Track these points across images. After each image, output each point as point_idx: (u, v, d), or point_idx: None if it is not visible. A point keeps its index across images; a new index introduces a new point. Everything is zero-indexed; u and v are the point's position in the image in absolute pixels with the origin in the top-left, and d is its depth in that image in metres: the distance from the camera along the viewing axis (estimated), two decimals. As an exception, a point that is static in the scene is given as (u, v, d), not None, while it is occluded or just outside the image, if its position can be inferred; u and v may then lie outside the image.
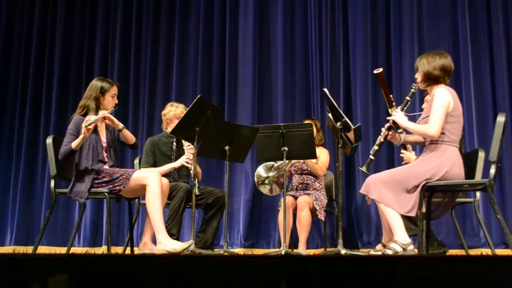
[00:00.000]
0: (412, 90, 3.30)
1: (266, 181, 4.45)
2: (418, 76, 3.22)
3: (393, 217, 3.06)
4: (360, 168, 3.35)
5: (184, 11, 5.96)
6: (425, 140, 3.22)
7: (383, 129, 3.31)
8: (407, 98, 3.31)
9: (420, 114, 3.38)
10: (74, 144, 3.44)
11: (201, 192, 4.03)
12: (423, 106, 3.90)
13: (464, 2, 5.21)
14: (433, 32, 5.27)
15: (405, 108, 3.29)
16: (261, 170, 4.45)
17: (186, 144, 4.08)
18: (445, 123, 3.07)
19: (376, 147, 3.30)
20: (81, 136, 3.42)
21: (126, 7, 6.07)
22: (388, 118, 3.29)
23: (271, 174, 4.43)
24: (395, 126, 3.29)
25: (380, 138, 3.30)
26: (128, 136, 3.76)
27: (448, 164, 3.04)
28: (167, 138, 4.22)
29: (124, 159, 5.53)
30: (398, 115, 3.23)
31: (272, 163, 4.46)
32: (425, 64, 3.17)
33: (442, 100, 3.06)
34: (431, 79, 3.16)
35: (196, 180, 3.67)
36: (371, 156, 3.29)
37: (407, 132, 3.36)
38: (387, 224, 3.15)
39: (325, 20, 5.51)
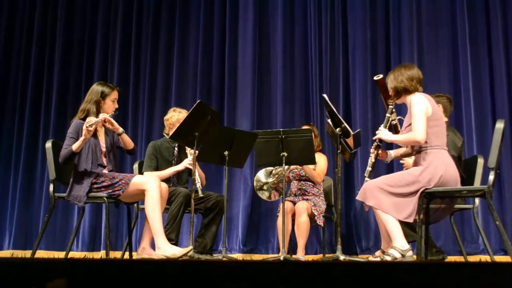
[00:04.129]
0: (390, 106, 3.36)
1: (265, 187, 4.45)
2: (391, 93, 3.29)
3: (391, 223, 3.07)
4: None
5: (184, 17, 5.97)
6: (412, 150, 3.24)
7: (371, 149, 3.37)
8: (387, 115, 3.38)
9: None
10: (74, 146, 3.44)
11: (203, 195, 4.03)
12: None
13: (463, 9, 5.23)
14: (432, 39, 5.29)
15: (387, 125, 3.36)
16: (261, 175, 4.46)
17: (189, 149, 4.08)
18: (428, 127, 3.10)
19: (369, 168, 3.36)
20: (81, 138, 3.43)
21: (126, 13, 6.08)
22: (373, 138, 3.36)
23: (270, 180, 4.43)
24: (382, 144, 3.34)
25: (371, 159, 3.36)
26: (127, 141, 3.75)
27: (441, 168, 3.06)
28: (169, 143, 4.22)
29: (123, 164, 5.53)
30: (382, 132, 3.30)
31: (271, 168, 4.46)
32: (392, 80, 3.26)
33: (420, 106, 3.11)
34: (401, 92, 3.23)
35: (199, 184, 3.69)
36: (366, 178, 3.33)
37: (396, 146, 3.40)
38: (385, 231, 3.16)
39: (325, 27, 5.52)
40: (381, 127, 3.33)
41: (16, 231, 5.77)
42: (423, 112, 3.10)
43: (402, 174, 3.18)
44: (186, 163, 4.04)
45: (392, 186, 3.09)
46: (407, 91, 3.21)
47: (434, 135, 3.12)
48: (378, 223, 3.28)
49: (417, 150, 3.19)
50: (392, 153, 3.43)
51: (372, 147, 3.37)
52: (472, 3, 5.24)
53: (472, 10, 5.23)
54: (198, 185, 3.86)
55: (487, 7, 5.20)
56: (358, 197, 3.20)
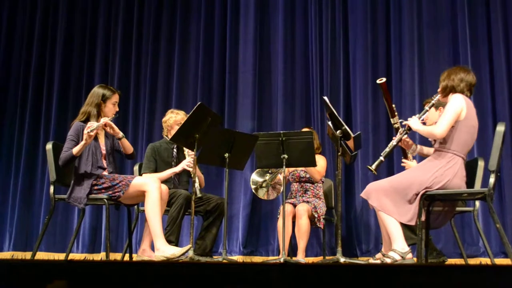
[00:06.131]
0: (433, 101, 3.34)
1: (264, 184, 4.43)
2: (439, 89, 3.27)
3: (392, 225, 3.07)
4: (369, 167, 3.34)
5: (184, 19, 5.98)
6: (434, 151, 3.24)
7: (399, 132, 3.36)
8: (426, 108, 3.36)
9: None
10: (75, 150, 3.45)
11: (201, 196, 4.03)
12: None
13: (464, 11, 5.22)
14: (433, 42, 5.28)
15: (422, 116, 3.34)
16: (255, 176, 4.44)
17: (187, 150, 4.08)
18: (456, 130, 3.08)
19: (388, 149, 3.33)
20: (82, 142, 3.43)
21: (127, 15, 6.09)
22: (404, 122, 3.35)
23: (267, 177, 4.41)
24: (409, 132, 3.34)
25: (393, 142, 3.33)
26: (127, 145, 3.76)
27: (450, 174, 3.05)
28: (168, 144, 4.23)
29: (123, 166, 5.53)
30: (412, 121, 3.28)
31: (266, 169, 4.45)
32: (445, 77, 3.23)
33: (455, 105, 3.09)
34: (449, 90, 3.21)
35: (197, 184, 3.69)
36: (381, 158, 3.31)
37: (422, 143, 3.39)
38: (386, 234, 3.15)
39: (326, 29, 5.52)
40: (415, 117, 3.30)
41: (17, 232, 5.78)
42: (455, 112, 3.07)
43: (407, 176, 3.16)
44: (184, 164, 4.05)
45: (396, 188, 3.08)
46: (453, 89, 3.18)
47: (457, 140, 3.09)
48: (380, 226, 3.28)
49: (436, 148, 3.18)
50: (419, 148, 3.43)
51: (400, 130, 3.35)
52: (473, 4, 5.24)
53: (472, 11, 5.22)
54: (197, 185, 3.86)
55: (488, 8, 5.19)
56: (362, 195, 3.21)
